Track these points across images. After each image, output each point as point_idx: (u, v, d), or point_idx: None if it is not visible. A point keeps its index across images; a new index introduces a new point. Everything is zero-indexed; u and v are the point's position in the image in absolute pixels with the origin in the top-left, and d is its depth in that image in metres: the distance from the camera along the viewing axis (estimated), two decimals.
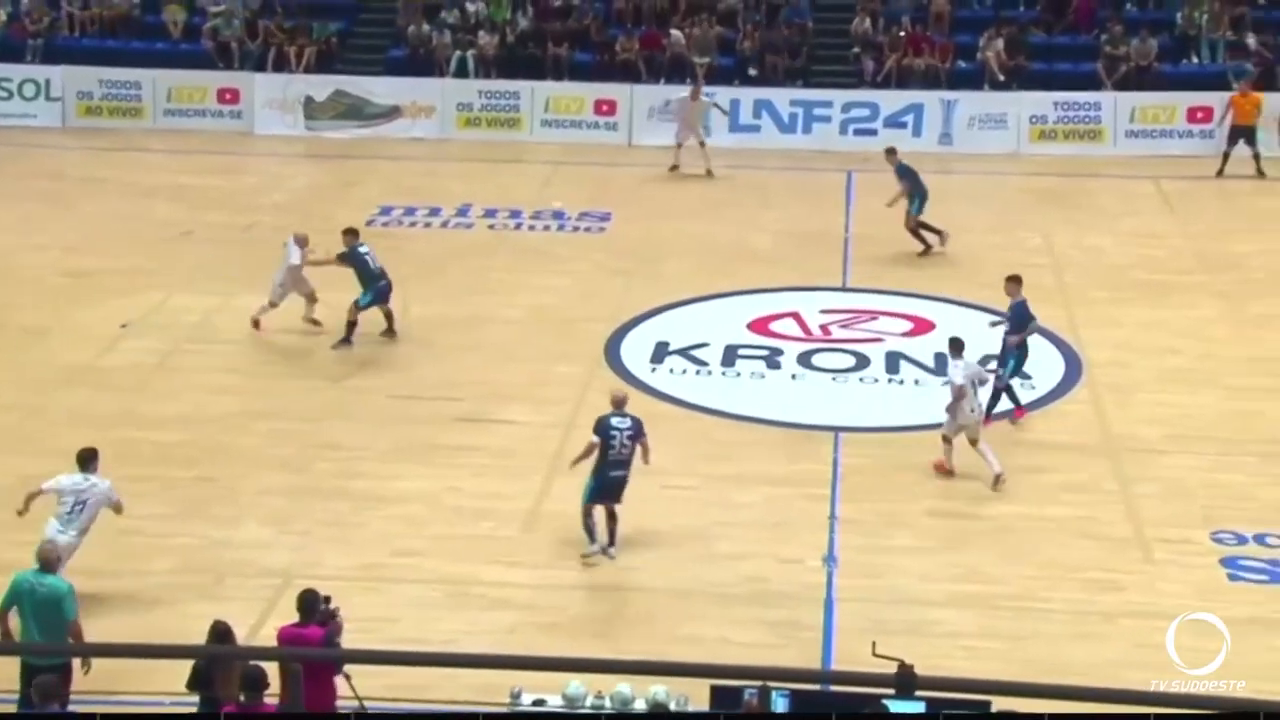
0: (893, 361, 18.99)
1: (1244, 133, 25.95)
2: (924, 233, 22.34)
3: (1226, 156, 25.93)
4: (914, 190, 22.28)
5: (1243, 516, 15.00)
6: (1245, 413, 17.32)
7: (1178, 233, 23.71)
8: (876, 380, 18.58)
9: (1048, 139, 27.56)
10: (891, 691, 7.33)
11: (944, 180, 25.92)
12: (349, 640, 11.20)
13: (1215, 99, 27.26)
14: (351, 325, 18.74)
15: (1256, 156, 25.79)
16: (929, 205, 22.39)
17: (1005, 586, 14.03)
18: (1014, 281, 17.46)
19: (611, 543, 14.30)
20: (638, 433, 14.27)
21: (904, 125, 27.64)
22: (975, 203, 25.27)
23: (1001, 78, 28.52)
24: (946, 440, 15.92)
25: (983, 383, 16.15)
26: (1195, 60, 28.76)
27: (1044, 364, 18.77)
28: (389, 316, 19.01)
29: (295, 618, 11.16)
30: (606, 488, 14.24)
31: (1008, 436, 16.79)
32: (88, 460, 13.13)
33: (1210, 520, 14.98)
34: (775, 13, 30.02)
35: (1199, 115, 27.23)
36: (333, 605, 11.15)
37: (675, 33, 29.45)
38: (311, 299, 19.18)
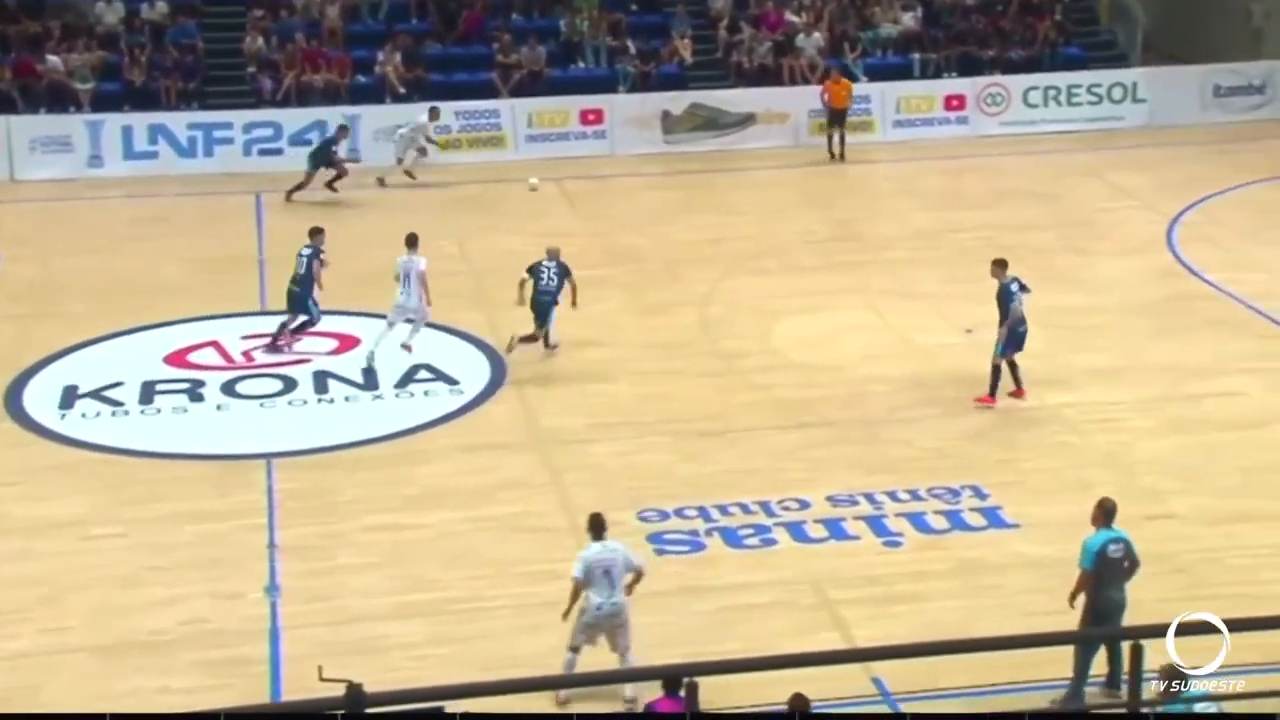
0: (321, 381, 18.75)
1: (839, 116, 27.64)
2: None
3: (831, 139, 27.66)
4: None
5: (663, 493, 15.84)
6: (655, 396, 18.31)
7: (583, 230, 24.74)
8: (306, 402, 18.28)
9: (453, 148, 28.07)
10: (341, 714, 7.18)
11: (356, 195, 25.87)
12: None
13: (604, 101, 28.75)
14: None
15: (841, 139, 27.59)
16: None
17: (451, 591, 14.15)
18: (999, 265, 17.59)
19: None
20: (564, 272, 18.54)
21: (309, 143, 27.35)
22: (394, 214, 25.35)
23: (402, 90, 28.82)
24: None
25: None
26: (582, 65, 30.18)
27: (469, 367, 19.13)
28: None
29: None
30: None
31: (458, 443, 16.98)
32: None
33: (636, 501, 15.72)
34: (161, 34, 28.96)
35: (590, 117, 28.60)
36: None
37: (52, 59, 27.80)
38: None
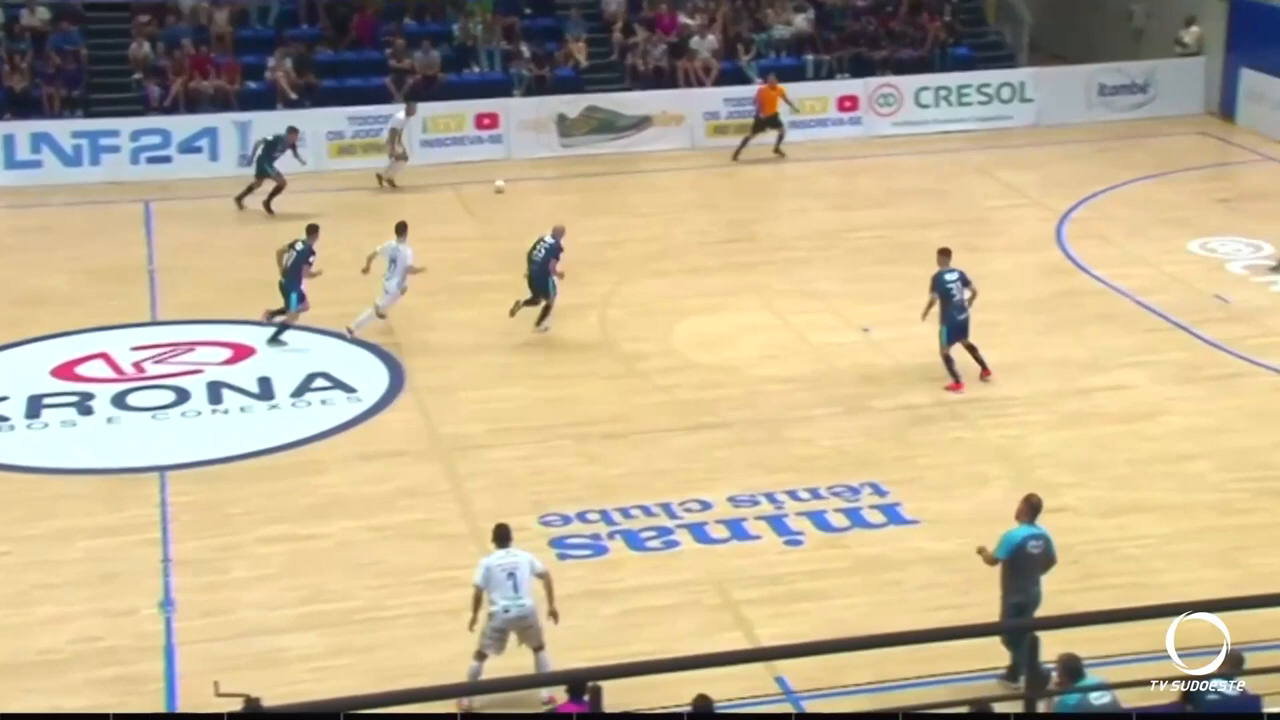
0: (215, 392, 18.46)
1: (769, 121, 27.82)
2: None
3: (746, 141, 27.81)
4: None
5: (565, 497, 15.78)
6: (556, 400, 18.25)
7: (479, 235, 24.66)
8: (200, 413, 17.98)
9: (347, 154, 27.79)
10: None
11: (251, 202, 25.53)
12: None
13: (499, 105, 28.64)
14: None
15: (780, 138, 27.84)
16: None
17: (351, 601, 13.98)
18: (943, 254, 18.17)
19: None
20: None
21: (200, 150, 26.98)
22: (280, 221, 25.03)
23: (294, 96, 28.49)
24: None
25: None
26: (477, 69, 30.04)
27: (367, 375, 18.95)
28: None
29: None
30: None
31: (356, 452, 16.83)
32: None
33: (538, 505, 15.64)
34: (42, 41, 28.37)
35: (486, 122, 28.46)
36: None
37: None
38: None
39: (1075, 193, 25.65)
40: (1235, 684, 10.21)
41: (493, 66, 30.03)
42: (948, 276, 18.06)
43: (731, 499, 15.69)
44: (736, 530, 15.20)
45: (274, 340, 19.66)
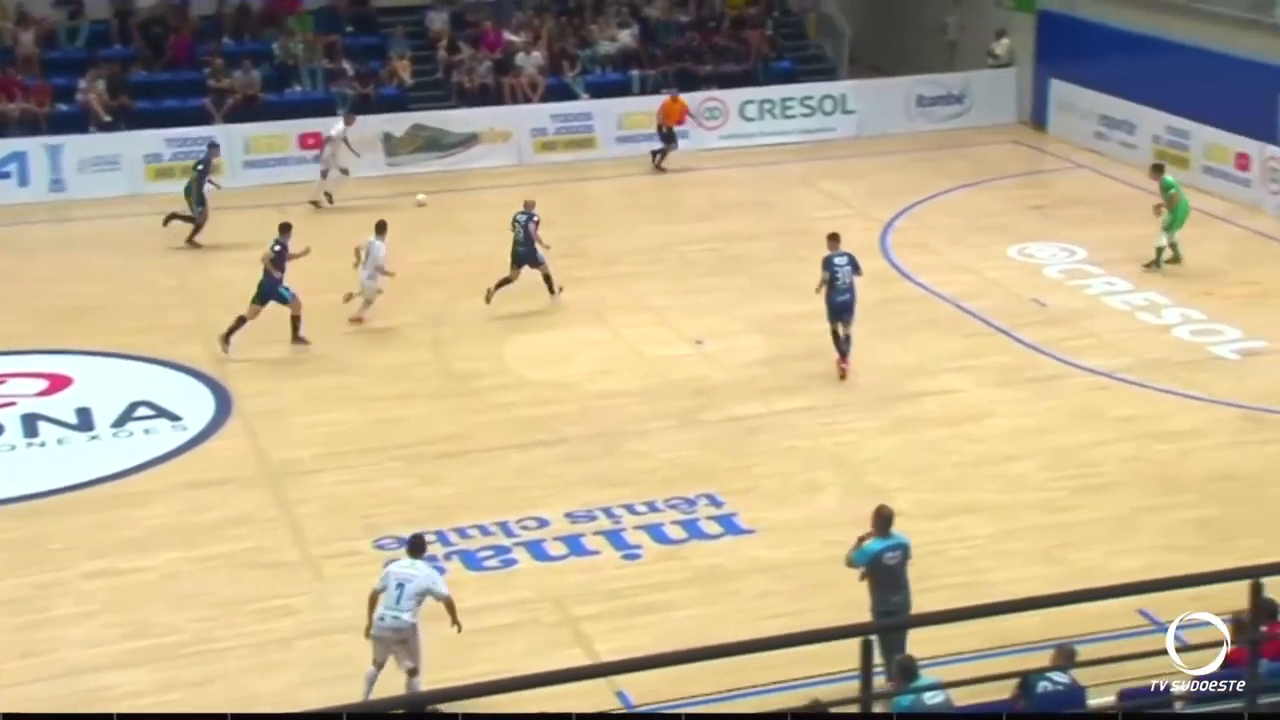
0: (30, 424, 17.83)
1: (668, 133, 28.34)
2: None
3: (664, 153, 28.43)
4: None
5: (400, 519, 15.53)
6: (389, 421, 18.01)
7: (308, 256, 24.15)
8: (14, 447, 17.36)
9: (165, 177, 27.05)
10: None
11: (64, 229, 24.83)
12: None
13: (323, 125, 28.19)
14: None
15: (664, 153, 28.35)
16: None
17: (180, 635, 13.59)
18: (832, 238, 19.18)
19: None
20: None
21: (8, 176, 26.10)
22: (103, 248, 24.38)
23: (108, 118, 27.74)
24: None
25: None
26: (299, 88, 29.57)
27: (192, 402, 18.49)
28: None
29: None
30: None
31: (182, 481, 16.36)
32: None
33: (372, 529, 15.41)
34: None
35: (310, 141, 28.00)
36: None
37: None
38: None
39: (897, 202, 26.17)
40: (1066, 676, 10.47)
41: (315, 85, 29.60)
42: (836, 260, 18.77)
43: (569, 515, 15.63)
44: (574, 546, 15.14)
45: (295, 340, 20.06)
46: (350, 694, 11.96)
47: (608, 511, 15.71)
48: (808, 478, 16.47)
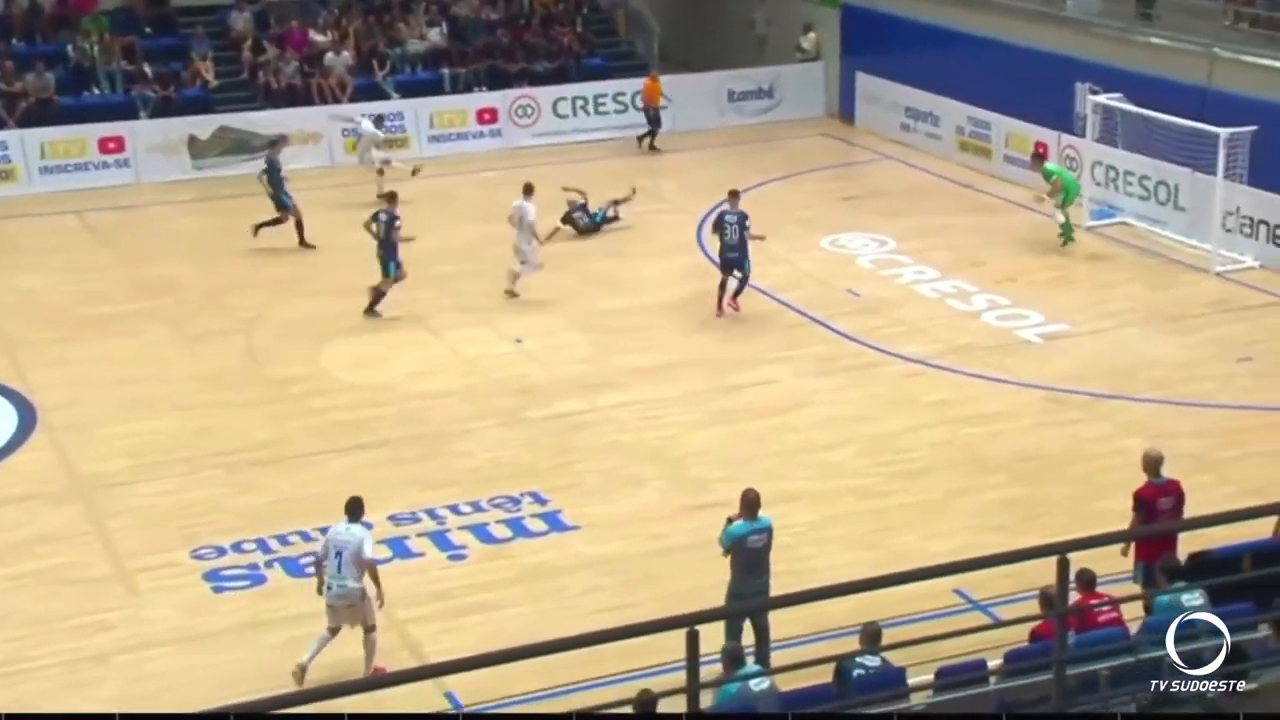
0: None
1: (654, 114, 29.28)
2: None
3: (652, 134, 29.44)
4: None
5: (218, 529, 15.26)
6: (204, 429, 17.62)
7: (111, 263, 23.63)
8: None
9: None
10: None
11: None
12: None
13: (124, 128, 27.49)
14: None
15: (652, 135, 29.38)
16: None
17: None
18: (732, 195, 20.86)
19: None
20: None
21: None
22: None
23: None
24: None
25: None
26: (97, 91, 28.73)
27: None
28: None
29: None
30: None
31: None
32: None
33: (189, 539, 15.09)
34: None
35: (110, 145, 27.26)
36: None
37: None
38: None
39: (712, 196, 26.37)
40: (876, 658, 10.70)
41: (114, 88, 28.79)
42: (728, 217, 20.40)
43: (392, 518, 15.48)
44: (399, 549, 15.00)
45: (369, 311, 20.65)
46: (169, 707, 11.69)
47: (432, 513, 15.61)
48: (630, 472, 16.58)
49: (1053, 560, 7.53)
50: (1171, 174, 23.37)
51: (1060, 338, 20.14)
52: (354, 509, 12.80)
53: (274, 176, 23.97)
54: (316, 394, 18.65)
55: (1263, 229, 22.22)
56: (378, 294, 20.77)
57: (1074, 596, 10.96)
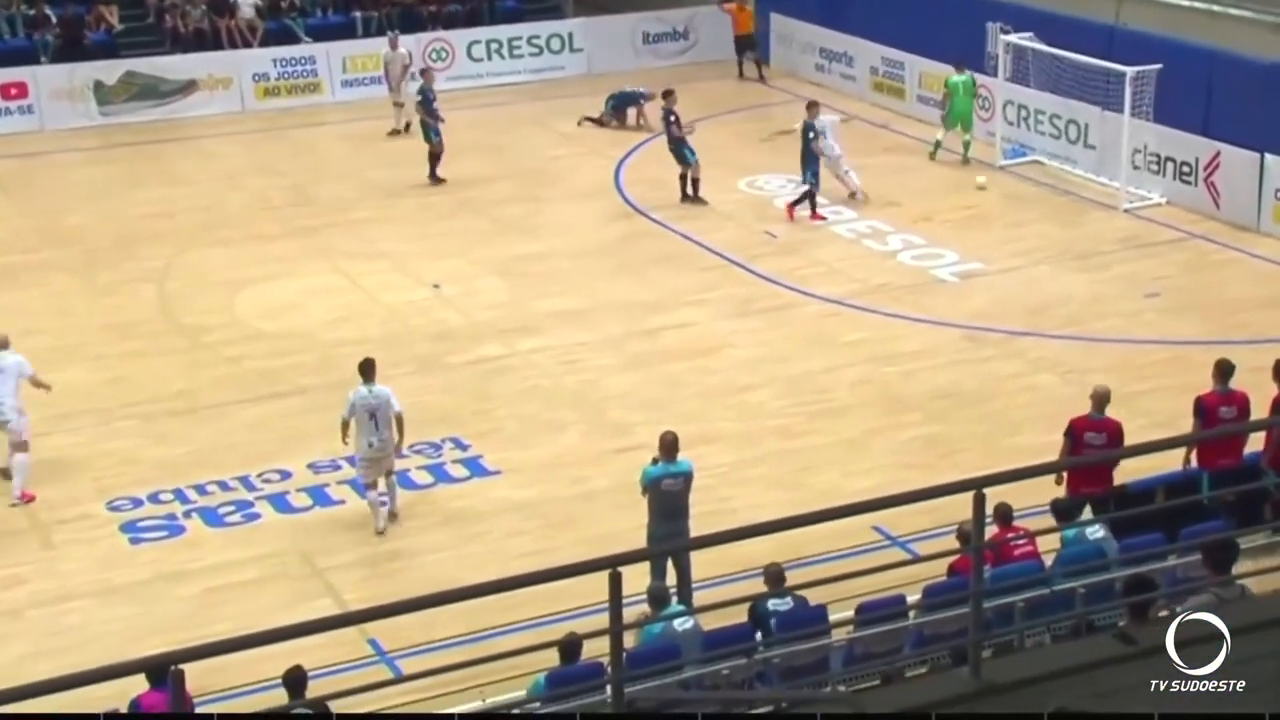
0: None
1: (746, 41, 29.43)
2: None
3: (741, 64, 29.63)
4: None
5: (133, 480, 15.11)
6: (117, 380, 17.40)
7: (16, 213, 23.17)
8: None
9: None
10: None
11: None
12: None
13: (26, 74, 26.91)
14: None
15: (757, 63, 29.58)
16: None
17: None
18: (814, 106, 22.57)
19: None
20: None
21: None
22: None
23: None
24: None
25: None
26: (3, 38, 28.08)
27: None
28: None
29: None
30: None
31: None
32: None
33: (104, 491, 14.93)
34: None
35: (13, 92, 26.69)
36: None
37: None
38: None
39: (629, 140, 26.36)
40: (786, 599, 10.81)
41: (15, 33, 28.12)
42: (817, 125, 22.20)
43: (312, 465, 15.39)
44: (319, 497, 14.93)
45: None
46: (85, 662, 11.53)
47: (352, 460, 15.48)
48: (551, 417, 16.56)
49: (969, 495, 7.61)
50: (1081, 112, 23.58)
51: (974, 276, 20.32)
52: (367, 370, 14.12)
53: (428, 105, 23.87)
54: (231, 343, 18.45)
55: (1169, 165, 22.51)
56: (690, 181, 22.67)
57: (992, 530, 11.14)
